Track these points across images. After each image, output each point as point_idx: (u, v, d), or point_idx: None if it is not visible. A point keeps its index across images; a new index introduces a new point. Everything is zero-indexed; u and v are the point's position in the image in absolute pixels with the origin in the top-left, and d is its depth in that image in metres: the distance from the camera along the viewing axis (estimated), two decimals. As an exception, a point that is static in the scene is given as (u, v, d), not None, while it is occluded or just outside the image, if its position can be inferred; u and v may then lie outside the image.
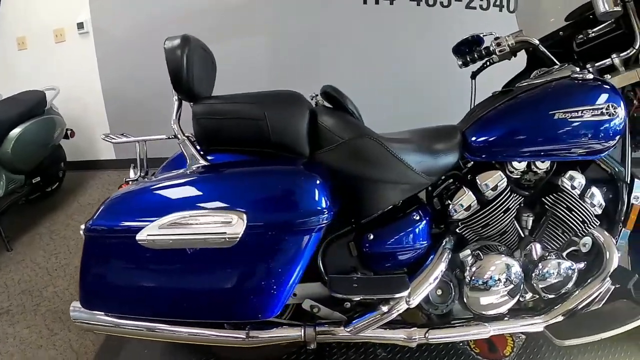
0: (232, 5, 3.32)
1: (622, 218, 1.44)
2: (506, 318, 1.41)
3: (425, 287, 1.27)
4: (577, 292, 1.41)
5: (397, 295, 1.22)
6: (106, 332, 1.32)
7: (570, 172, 1.36)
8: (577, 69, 1.33)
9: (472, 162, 1.41)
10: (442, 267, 1.30)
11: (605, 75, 1.37)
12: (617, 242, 1.46)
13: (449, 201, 1.35)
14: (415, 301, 1.27)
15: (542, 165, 1.36)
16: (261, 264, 1.13)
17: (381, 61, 3.43)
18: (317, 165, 1.24)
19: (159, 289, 1.18)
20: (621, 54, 1.35)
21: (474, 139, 1.34)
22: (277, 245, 1.12)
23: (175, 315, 1.22)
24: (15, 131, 2.50)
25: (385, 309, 1.26)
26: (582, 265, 1.44)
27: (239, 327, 1.27)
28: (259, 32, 3.42)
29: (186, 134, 1.28)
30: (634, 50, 1.34)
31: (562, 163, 1.38)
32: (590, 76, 1.29)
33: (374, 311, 1.27)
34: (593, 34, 1.43)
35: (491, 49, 1.49)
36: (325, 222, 1.14)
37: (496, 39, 1.50)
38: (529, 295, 1.43)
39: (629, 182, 1.42)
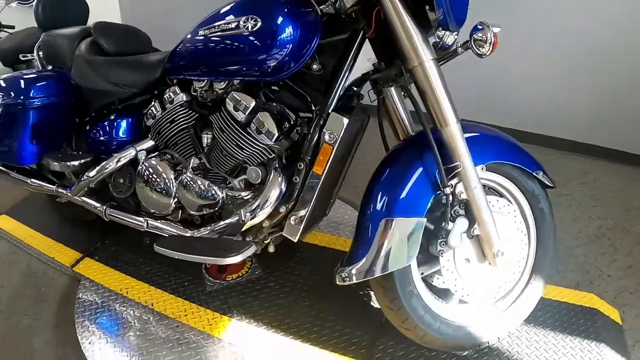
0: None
1: (308, 157, 1.34)
2: (175, 223, 1.63)
3: (99, 173, 1.74)
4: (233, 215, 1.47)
5: (66, 165, 1.78)
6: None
7: (233, 93, 1.39)
8: None
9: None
10: (116, 160, 1.70)
11: None
12: (299, 182, 1.36)
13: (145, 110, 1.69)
14: (92, 179, 1.76)
15: (219, 85, 1.45)
16: (10, 127, 1.86)
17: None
18: (67, 73, 1.89)
19: None
20: None
21: (168, 60, 1.55)
22: (13, 116, 1.84)
23: None
24: None
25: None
26: (246, 194, 1.47)
27: (35, 177, 1.99)
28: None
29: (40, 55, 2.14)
30: None
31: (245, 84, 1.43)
32: None
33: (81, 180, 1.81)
34: None
35: None
36: (37, 104, 1.81)
37: None
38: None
39: (325, 115, 1.31)
